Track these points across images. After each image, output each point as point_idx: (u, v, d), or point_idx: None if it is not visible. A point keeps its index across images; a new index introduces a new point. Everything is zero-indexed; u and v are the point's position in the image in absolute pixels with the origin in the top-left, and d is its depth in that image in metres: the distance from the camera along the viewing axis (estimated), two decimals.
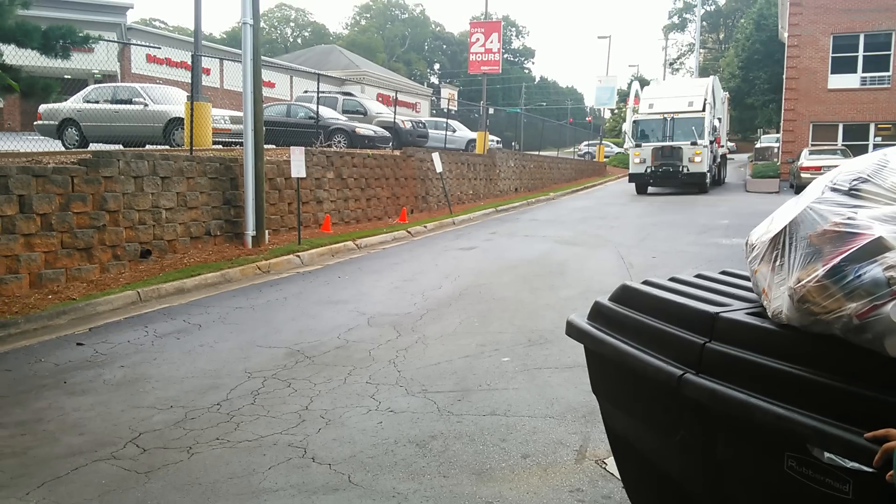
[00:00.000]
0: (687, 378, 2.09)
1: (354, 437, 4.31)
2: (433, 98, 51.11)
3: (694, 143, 22.70)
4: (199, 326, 7.24)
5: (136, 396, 5.19)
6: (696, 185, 23.20)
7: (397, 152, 18.07)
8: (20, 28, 6.71)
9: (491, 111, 30.48)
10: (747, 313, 2.11)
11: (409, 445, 4.17)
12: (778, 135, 34.72)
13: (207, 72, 28.43)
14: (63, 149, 13.96)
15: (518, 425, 4.42)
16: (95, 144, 14.91)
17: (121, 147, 13.74)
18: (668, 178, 23.28)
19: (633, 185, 24.65)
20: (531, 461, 3.92)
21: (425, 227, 15.31)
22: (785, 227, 1.90)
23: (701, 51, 57.59)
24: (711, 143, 23.52)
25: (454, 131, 24.98)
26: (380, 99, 35.50)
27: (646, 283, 2.63)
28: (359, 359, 5.93)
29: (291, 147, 12.05)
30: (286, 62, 43.86)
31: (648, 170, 23.40)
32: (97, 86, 17.45)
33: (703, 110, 23.06)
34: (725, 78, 45.65)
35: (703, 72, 57.81)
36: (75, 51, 7.87)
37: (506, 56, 46.27)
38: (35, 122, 16.07)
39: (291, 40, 76.15)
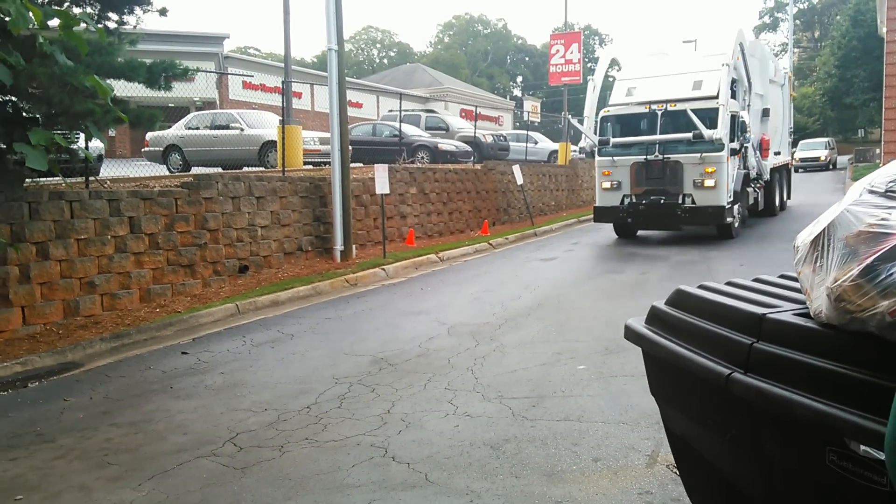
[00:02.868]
0: (735, 377, 2.18)
1: (432, 439, 4.53)
2: (515, 111, 51.29)
3: (702, 155, 12.74)
4: (291, 336, 7.68)
5: (233, 400, 5.61)
6: (708, 225, 13.64)
7: (478, 166, 18.34)
8: (128, 65, 7.41)
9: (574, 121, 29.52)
10: (794, 314, 2.18)
11: (483, 448, 4.34)
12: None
13: (299, 95, 29.83)
14: (168, 173, 15.02)
15: (591, 430, 4.52)
16: (197, 168, 15.96)
17: (219, 170, 14.67)
18: (656, 217, 13.49)
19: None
20: (602, 465, 4.02)
21: (506, 238, 15.47)
22: (824, 229, 1.98)
23: (795, 51, 55.18)
24: (741, 151, 13.72)
25: (536, 143, 25.05)
26: (463, 114, 36.01)
27: (701, 286, 2.72)
28: (438, 366, 6.17)
29: (375, 165, 12.53)
30: (372, 83, 45.23)
31: (626, 201, 13.58)
32: (197, 113, 18.65)
33: (718, 96, 12.83)
34: (822, 78, 43.47)
35: (799, 73, 54.97)
36: (177, 80, 8.55)
37: (588, 65, 45.77)
38: (143, 149, 17.33)
39: (378, 61, 78.26)
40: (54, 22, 6.13)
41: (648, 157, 13.26)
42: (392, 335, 7.43)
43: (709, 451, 2.47)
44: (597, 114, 14.17)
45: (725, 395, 2.23)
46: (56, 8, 6.42)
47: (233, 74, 27.31)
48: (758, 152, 15.43)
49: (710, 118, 12.65)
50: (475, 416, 4.91)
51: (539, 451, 4.24)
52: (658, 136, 13.24)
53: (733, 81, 13.79)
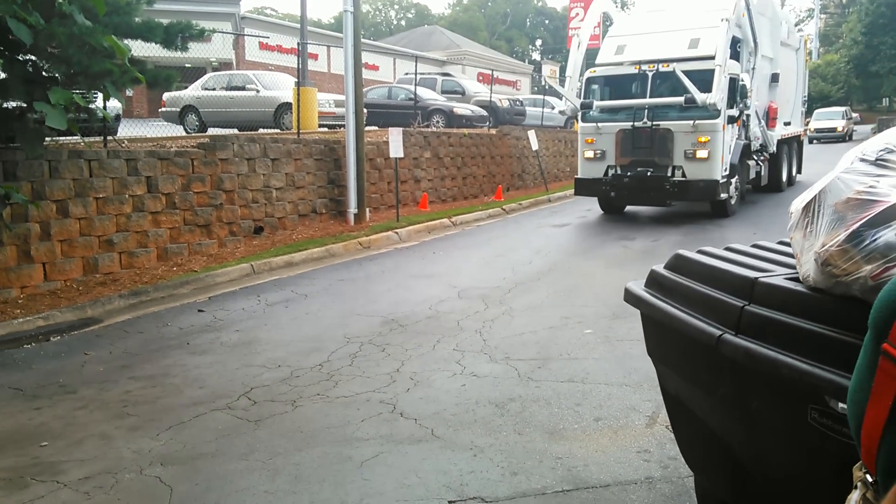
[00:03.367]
0: (725, 338, 2.26)
1: (439, 397, 4.67)
2: (534, 75, 50.69)
3: (695, 122, 11.41)
4: (305, 296, 7.83)
5: (248, 357, 5.78)
6: (699, 201, 12.33)
7: (494, 131, 18.27)
8: (145, 25, 7.46)
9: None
10: (785, 278, 2.24)
11: (488, 406, 4.48)
12: None
13: (315, 57, 29.69)
14: (184, 133, 15.12)
15: (594, 392, 4.63)
16: (213, 129, 16.04)
17: (235, 131, 14.74)
18: (642, 192, 12.10)
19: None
20: (603, 424, 4.14)
21: (520, 204, 15.49)
22: (815, 195, 2.03)
23: (821, 16, 53.81)
24: (741, 119, 12.45)
25: (553, 108, 24.86)
26: (480, 78, 35.66)
27: (700, 251, 2.78)
28: (448, 328, 6.29)
29: (390, 128, 12.54)
30: (389, 45, 44.81)
31: (610, 172, 12.23)
32: (214, 74, 18.66)
33: (714, 56, 11.35)
34: (847, 45, 42.43)
35: (825, 40, 53.64)
36: (194, 41, 8.59)
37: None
38: (160, 110, 17.42)
39: (395, 22, 77.35)
40: None
41: (636, 123, 11.80)
42: (403, 297, 7.56)
43: (700, 410, 2.56)
44: (582, 74, 12.97)
45: (716, 356, 2.31)
46: None
47: (248, 35, 27.20)
48: (763, 121, 13.95)
49: (706, 81, 11.14)
50: (482, 376, 5.04)
51: (542, 410, 4.36)
52: (646, 101, 11.84)
53: (736, 41, 12.33)
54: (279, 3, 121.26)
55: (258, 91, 15.99)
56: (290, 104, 14.83)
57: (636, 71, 11.99)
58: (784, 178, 15.89)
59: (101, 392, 5.07)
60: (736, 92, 11.82)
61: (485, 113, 19.55)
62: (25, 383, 5.30)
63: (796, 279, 2.21)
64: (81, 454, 4.05)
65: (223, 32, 20.44)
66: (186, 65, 21.82)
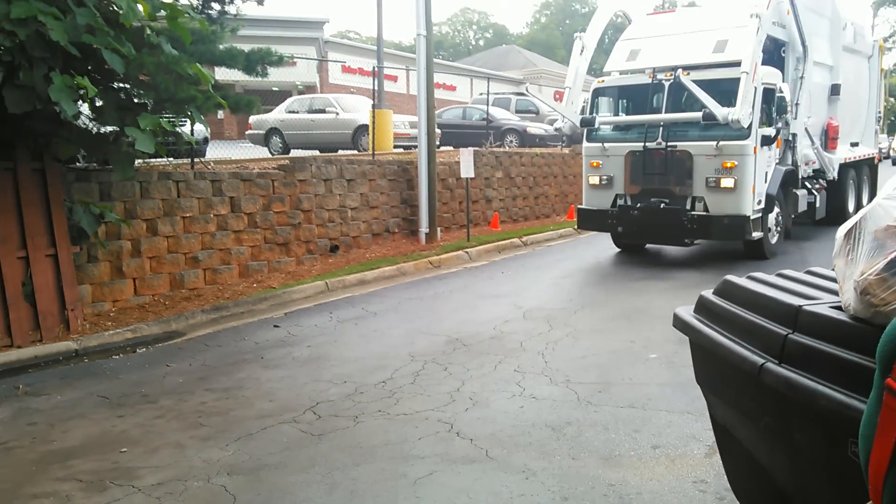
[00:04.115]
0: (767, 367, 2.22)
1: (496, 418, 4.70)
2: None
3: (718, 143, 9.43)
4: (374, 314, 8.03)
5: (317, 372, 5.98)
6: (725, 240, 10.38)
7: (567, 150, 18.18)
8: (228, 53, 7.92)
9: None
10: (830, 307, 2.19)
11: (544, 429, 4.47)
12: None
13: (394, 79, 30.39)
14: (269, 155, 15.79)
15: (654, 418, 4.55)
16: (296, 150, 16.68)
17: (316, 152, 15.29)
18: (654, 228, 10.12)
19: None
20: (660, 452, 4.06)
21: None
22: (856, 222, 1.99)
23: None
24: (782, 138, 10.32)
25: None
26: (556, 96, 35.55)
27: (750, 277, 2.74)
28: (510, 348, 6.31)
29: (461, 149, 12.70)
30: (466, 65, 45.32)
31: (619, 202, 10.32)
32: (296, 97, 19.43)
33: (744, 64, 9.13)
34: None
35: None
36: (273, 67, 9.02)
37: None
38: (246, 132, 18.27)
39: (474, 43, 78.16)
40: (156, 12, 6.64)
41: (647, 144, 9.80)
42: (469, 317, 7.63)
43: (745, 439, 2.51)
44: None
45: (759, 384, 2.28)
46: (163, 1, 6.93)
47: (326, 61, 28.21)
48: (820, 142, 11.68)
49: (734, 91, 9.02)
50: (540, 398, 5.03)
51: (599, 436, 4.32)
52: (659, 116, 9.84)
53: (779, 44, 10.54)
54: (362, 26, 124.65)
55: (337, 114, 16.55)
56: (367, 126, 15.26)
57: (650, 80, 9.93)
58: (851, 208, 13.11)
59: (179, 402, 5.36)
60: (773, 105, 9.76)
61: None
62: (111, 392, 5.67)
63: (840, 307, 2.16)
64: (156, 461, 4.30)
65: (302, 58, 21.30)
66: (273, 88, 22.85)
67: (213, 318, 8.13)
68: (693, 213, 9.60)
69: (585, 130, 10.71)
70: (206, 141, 12.98)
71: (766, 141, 9.60)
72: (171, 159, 9.42)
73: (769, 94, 9.68)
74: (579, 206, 11.02)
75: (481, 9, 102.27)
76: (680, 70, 9.68)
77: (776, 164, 10.10)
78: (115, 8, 6.22)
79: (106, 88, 6.92)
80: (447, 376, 5.64)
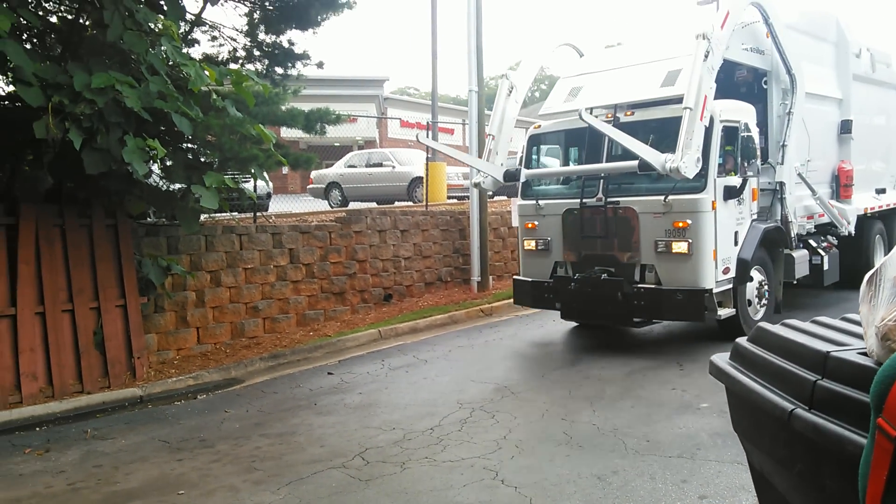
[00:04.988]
0: (797, 413, 2.22)
1: (542, 466, 4.70)
2: None
3: (666, 198, 7.51)
4: (425, 361, 8.13)
5: (367, 418, 6.09)
6: (681, 320, 8.23)
7: None
8: (289, 113, 8.39)
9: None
10: (858, 352, 2.19)
11: (590, 478, 4.44)
12: None
13: (451, 132, 31.05)
14: (328, 208, 16.32)
15: (703, 468, 4.47)
16: (354, 203, 17.19)
17: (374, 204, 15.73)
18: (594, 304, 8.02)
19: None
20: (707, 502, 3.98)
21: None
22: (878, 268, 2.01)
23: None
24: (771, 189, 8.72)
25: None
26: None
27: (783, 324, 2.74)
28: (558, 396, 6.30)
29: (511, 199, 12.86)
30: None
31: (559, 271, 8.50)
32: (355, 152, 20.12)
33: (688, 98, 7.04)
34: None
35: None
36: (331, 125, 9.47)
37: None
38: (307, 186, 18.95)
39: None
40: (222, 78, 7.11)
41: (585, 200, 8.02)
42: (518, 364, 7.64)
43: (781, 487, 2.49)
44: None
45: (791, 431, 2.27)
46: (230, 67, 7.43)
47: (384, 118, 29.07)
48: (830, 190, 9.99)
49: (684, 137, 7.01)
50: (588, 447, 5.00)
51: (645, 485, 4.27)
52: (593, 166, 8.13)
53: (761, 75, 8.95)
54: (421, 82, 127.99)
55: (394, 167, 17.04)
56: (422, 178, 15.64)
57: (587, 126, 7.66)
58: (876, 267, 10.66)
59: (235, 447, 5.55)
60: (737, 149, 7.78)
61: None
62: (172, 437, 5.91)
63: (867, 353, 2.16)
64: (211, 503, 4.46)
65: (361, 115, 22.03)
66: (335, 143, 23.71)
67: (270, 365, 8.38)
68: (640, 285, 7.62)
69: (521, 186, 8.93)
70: (268, 196, 13.57)
71: (731, 193, 7.64)
72: (234, 214, 9.89)
73: (731, 134, 7.74)
74: (514, 277, 9.21)
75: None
76: (623, 109, 8.10)
77: (752, 220, 8.07)
78: (185, 75, 6.70)
79: (175, 149, 7.40)
80: (494, 424, 5.67)
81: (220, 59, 9.17)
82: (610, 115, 8.15)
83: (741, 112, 8.02)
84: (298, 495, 4.51)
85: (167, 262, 8.19)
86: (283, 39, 9.30)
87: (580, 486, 4.32)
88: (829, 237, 9.96)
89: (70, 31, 7.44)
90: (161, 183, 8.03)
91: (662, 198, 7.47)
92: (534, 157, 9.02)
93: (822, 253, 9.50)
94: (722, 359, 2.92)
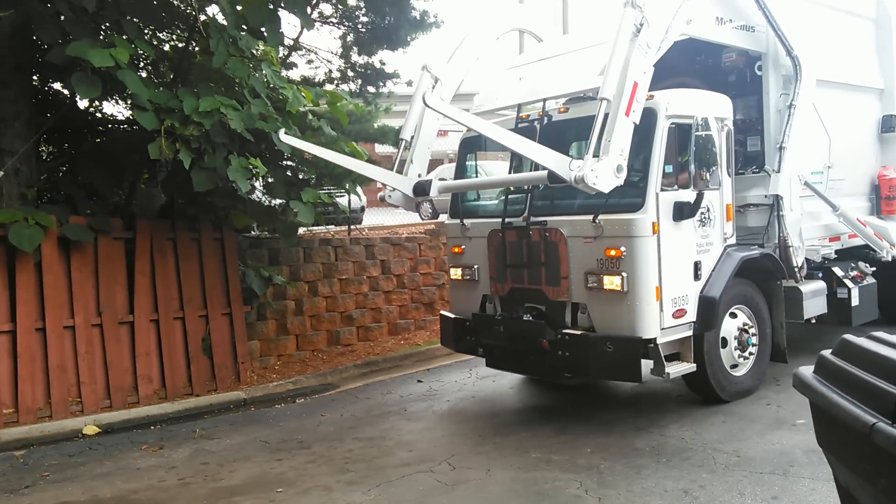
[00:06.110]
0: (878, 427, 2.19)
1: (628, 478, 4.69)
2: None
3: (596, 218, 5.75)
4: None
5: (454, 425, 6.24)
6: (612, 378, 6.68)
7: None
8: (380, 130, 8.75)
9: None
10: None
11: (676, 492, 4.41)
12: None
13: None
14: (419, 220, 16.64)
15: (795, 486, 4.34)
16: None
17: None
18: (517, 352, 6.41)
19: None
20: None
21: None
22: None
23: None
24: (734, 206, 6.43)
25: None
26: None
27: (869, 336, 2.68)
28: (646, 409, 6.21)
29: None
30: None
31: (488, 307, 6.82)
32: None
33: (606, 87, 5.20)
34: None
35: None
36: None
37: None
38: None
39: None
40: (318, 99, 7.51)
41: (509, 220, 6.48)
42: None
43: (865, 502, 2.43)
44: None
45: (873, 445, 2.24)
46: (325, 88, 7.84)
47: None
48: (865, 205, 8.04)
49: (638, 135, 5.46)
50: (675, 461, 4.94)
51: (734, 500, 4.20)
52: (501, 178, 7.14)
53: (752, 59, 7.09)
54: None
55: None
56: None
57: (523, 121, 6.66)
58: None
59: (330, 449, 5.82)
60: (690, 152, 5.82)
61: None
62: (272, 438, 6.26)
63: None
64: (307, 502, 4.72)
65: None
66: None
67: (363, 372, 8.69)
68: (566, 331, 5.94)
69: (450, 203, 7.36)
70: (362, 209, 14.05)
71: (683, 212, 5.79)
72: (330, 227, 10.33)
73: (682, 134, 5.84)
74: (442, 313, 7.53)
75: None
76: (550, 104, 6.54)
77: (727, 246, 6.24)
78: (283, 97, 7.13)
79: (275, 167, 7.86)
80: (582, 435, 5.67)
81: (316, 80, 9.66)
82: (541, 113, 6.50)
83: (698, 104, 6.02)
84: (388, 496, 4.70)
85: (269, 273, 8.68)
86: (375, 60, 9.69)
87: (666, 499, 4.29)
88: (863, 264, 7.96)
89: (180, 59, 8.06)
90: (263, 199, 8.53)
91: (590, 218, 5.76)
92: (467, 164, 7.35)
93: (850, 284, 7.55)
94: (806, 371, 2.87)
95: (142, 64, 8.00)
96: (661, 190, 5.69)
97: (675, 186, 5.82)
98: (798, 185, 6.92)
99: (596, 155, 5.07)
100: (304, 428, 6.53)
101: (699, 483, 4.50)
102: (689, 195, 5.80)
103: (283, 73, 8.43)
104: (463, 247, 7.01)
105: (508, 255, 6.44)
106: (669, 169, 5.83)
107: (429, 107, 5.23)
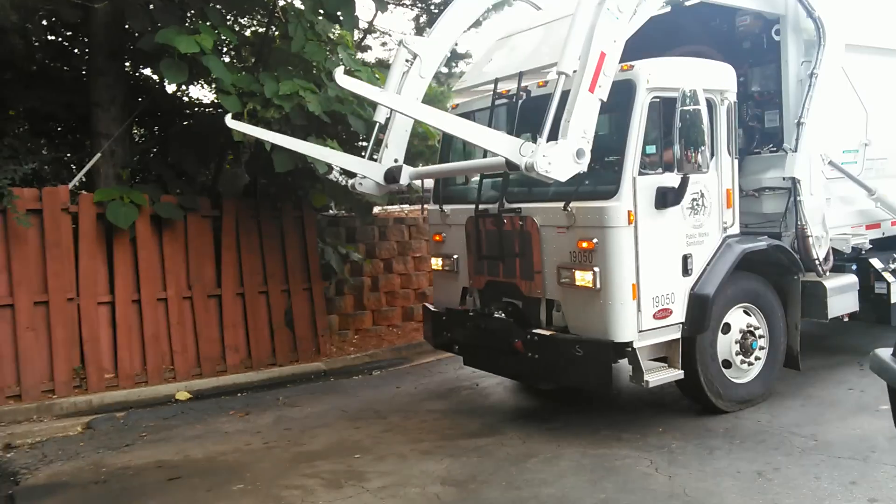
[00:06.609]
0: None
1: (700, 458, 4.68)
2: None
3: (567, 206, 5.13)
4: None
5: (525, 401, 6.36)
6: (581, 386, 5.81)
7: None
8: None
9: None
10: None
11: (749, 473, 4.38)
12: None
13: None
14: None
15: (875, 472, 4.24)
16: None
17: None
18: (490, 351, 5.92)
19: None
20: None
21: None
22: None
23: None
24: (734, 192, 5.62)
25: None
26: None
27: None
28: None
29: None
30: None
31: (468, 301, 6.31)
32: None
33: (565, 60, 4.53)
34: None
35: None
36: None
37: None
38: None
39: None
40: None
41: (488, 207, 5.90)
42: None
43: None
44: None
45: None
46: None
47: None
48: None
49: (622, 106, 5.07)
50: (750, 443, 4.90)
51: (809, 483, 4.14)
52: (473, 163, 6.27)
53: (770, 22, 6.23)
54: None
55: None
56: None
57: (503, 98, 5.99)
58: None
59: (404, 419, 6.03)
60: (673, 129, 4.99)
61: None
62: (350, 407, 6.53)
63: None
64: (383, 468, 4.93)
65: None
66: None
67: None
68: (535, 331, 5.40)
69: (433, 189, 6.88)
70: None
71: (667, 199, 5.11)
72: (404, 206, 10.54)
73: (668, 109, 5.08)
74: (424, 305, 7.07)
75: None
76: (534, 80, 5.88)
77: (726, 237, 5.52)
78: (358, 79, 7.29)
79: (350, 147, 8.05)
80: (655, 413, 5.67)
81: (389, 62, 9.78)
82: (519, 88, 5.86)
83: (687, 75, 5.17)
84: (459, 466, 4.86)
85: (346, 251, 8.97)
86: None
87: (738, 480, 4.27)
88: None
89: (261, 44, 8.34)
90: (340, 178, 8.76)
91: (561, 206, 5.14)
92: (454, 142, 6.66)
93: (890, 278, 6.70)
94: (885, 352, 2.82)
95: (225, 49, 8.33)
96: (641, 174, 5.03)
97: (660, 170, 5.14)
98: (821, 166, 6.10)
99: (555, 138, 4.44)
100: (380, 399, 6.77)
101: (774, 465, 4.45)
102: (670, 180, 5.08)
103: (358, 55, 8.61)
104: (443, 235, 6.50)
105: (483, 245, 5.90)
106: (652, 150, 5.20)
107: (338, 84, 4.62)
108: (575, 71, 4.53)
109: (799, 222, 5.90)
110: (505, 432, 5.48)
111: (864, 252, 6.68)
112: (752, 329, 5.67)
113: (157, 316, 7.43)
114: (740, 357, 5.59)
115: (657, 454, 4.80)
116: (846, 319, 6.55)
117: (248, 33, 9.16)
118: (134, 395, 6.97)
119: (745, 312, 5.68)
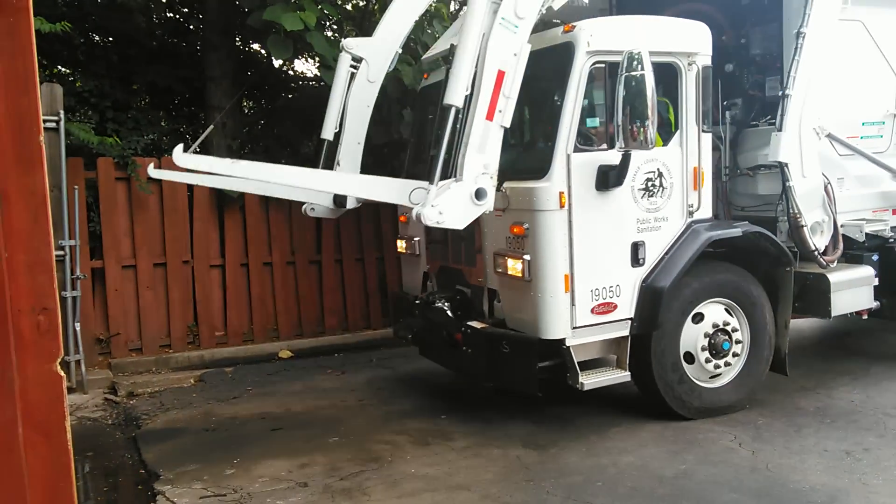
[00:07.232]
0: None
1: (787, 435, 4.63)
2: None
3: (503, 187, 4.48)
4: None
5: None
6: (511, 387, 5.19)
7: None
8: None
9: None
10: None
11: (837, 452, 4.33)
12: None
13: None
14: None
15: None
16: None
17: None
18: (435, 343, 5.56)
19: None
20: None
21: None
22: None
23: None
24: (703, 170, 4.96)
25: None
26: None
27: None
28: (816, 370, 5.97)
29: None
30: None
31: (428, 286, 5.92)
32: None
33: (466, 33, 4.01)
34: None
35: None
36: None
37: None
38: None
39: None
40: None
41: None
42: None
43: None
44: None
45: None
46: None
47: None
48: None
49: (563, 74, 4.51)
50: (841, 422, 4.79)
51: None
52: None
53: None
54: None
55: None
56: None
57: (427, 84, 5.90)
58: None
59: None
60: (615, 99, 4.35)
61: None
62: (439, 371, 6.67)
63: None
64: (467, 429, 5.17)
65: None
66: None
67: None
68: (469, 324, 5.03)
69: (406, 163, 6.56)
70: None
71: (608, 179, 4.54)
72: None
73: (613, 76, 4.45)
74: (392, 291, 6.70)
75: None
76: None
77: (691, 222, 4.91)
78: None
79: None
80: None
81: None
82: (426, 76, 5.38)
83: (638, 36, 4.50)
84: (542, 431, 5.01)
85: None
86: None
87: (825, 458, 4.22)
88: None
89: (362, 18, 8.61)
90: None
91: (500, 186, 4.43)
92: (430, 119, 5.89)
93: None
94: None
95: (327, 24, 8.65)
96: (578, 150, 4.48)
97: (605, 146, 4.60)
98: (816, 142, 5.16)
99: (446, 177, 3.90)
100: None
101: (864, 446, 4.36)
102: (609, 157, 4.52)
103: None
104: (407, 215, 5.79)
105: (432, 229, 5.08)
106: (595, 123, 4.68)
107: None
108: (468, 96, 3.94)
109: (791, 210, 5.12)
110: (589, 402, 5.56)
111: (892, 241, 5.83)
112: (725, 326, 5.01)
113: (263, 279, 7.95)
114: (710, 356, 4.97)
115: (742, 430, 4.79)
116: (865, 317, 5.83)
117: (349, 7, 9.45)
118: (241, 352, 7.53)
119: (716, 309, 5.04)
